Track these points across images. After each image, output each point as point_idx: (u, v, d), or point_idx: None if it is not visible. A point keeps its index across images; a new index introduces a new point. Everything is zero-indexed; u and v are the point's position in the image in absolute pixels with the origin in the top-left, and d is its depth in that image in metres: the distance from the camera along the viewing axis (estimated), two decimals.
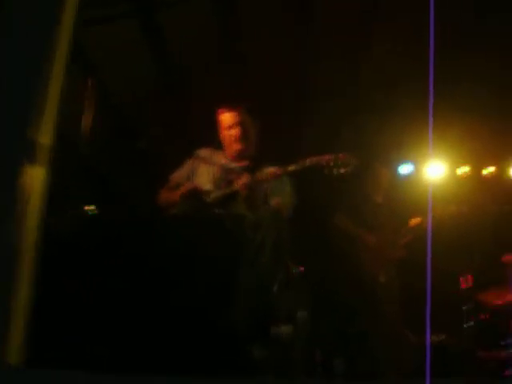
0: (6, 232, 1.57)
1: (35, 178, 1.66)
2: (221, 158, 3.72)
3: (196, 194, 3.46)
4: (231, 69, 5.57)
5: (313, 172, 3.31)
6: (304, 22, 5.19)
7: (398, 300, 4.99)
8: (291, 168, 3.34)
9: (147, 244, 2.62)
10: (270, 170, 3.48)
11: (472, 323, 4.91)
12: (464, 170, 6.47)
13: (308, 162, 3.29)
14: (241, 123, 3.63)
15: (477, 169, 6.49)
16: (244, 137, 3.64)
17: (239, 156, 3.67)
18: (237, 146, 3.65)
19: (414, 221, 5.29)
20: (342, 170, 3.22)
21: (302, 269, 3.73)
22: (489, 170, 6.45)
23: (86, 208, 3.69)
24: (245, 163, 3.65)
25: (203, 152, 3.79)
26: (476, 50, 5.40)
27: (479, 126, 5.86)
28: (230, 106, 3.66)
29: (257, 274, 2.88)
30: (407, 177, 6.53)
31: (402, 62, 5.58)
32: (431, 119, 2.76)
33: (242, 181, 3.31)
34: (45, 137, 1.71)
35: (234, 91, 5.46)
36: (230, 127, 3.64)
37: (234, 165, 3.67)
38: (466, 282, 5.10)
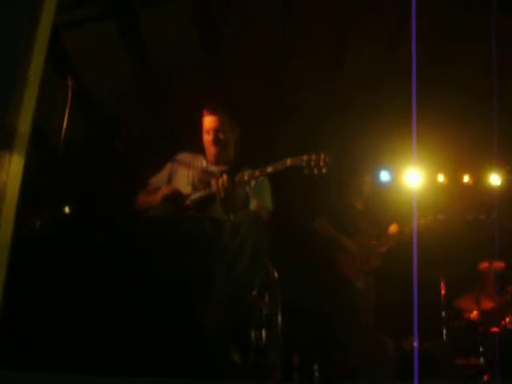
0: None
1: (13, 165, 1.62)
2: (200, 162, 3.72)
3: (175, 196, 3.42)
4: (210, 69, 5.56)
5: (293, 172, 3.27)
6: (283, 19, 5.20)
7: (375, 306, 4.99)
8: (270, 169, 3.30)
9: (122, 245, 2.57)
10: (249, 171, 3.46)
11: (450, 329, 4.93)
12: (442, 178, 6.50)
13: (288, 162, 3.25)
14: (220, 128, 3.63)
15: (454, 177, 6.54)
16: (222, 141, 3.64)
17: (218, 160, 3.67)
18: (214, 150, 3.65)
19: (392, 228, 5.30)
20: (324, 170, 3.18)
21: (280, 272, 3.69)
22: (466, 179, 6.49)
23: (65, 208, 3.65)
24: (224, 167, 3.64)
25: (182, 156, 3.78)
26: (454, 56, 5.46)
27: (457, 133, 5.90)
28: (211, 109, 3.64)
29: (235, 278, 2.85)
30: (386, 184, 6.56)
31: (381, 65, 5.63)
32: (414, 126, 2.76)
33: (219, 182, 3.27)
34: (23, 125, 1.67)
35: (213, 92, 5.44)
36: (210, 131, 3.64)
37: (213, 168, 3.67)
38: (444, 288, 5.12)
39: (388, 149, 6.17)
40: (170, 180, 3.68)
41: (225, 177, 3.28)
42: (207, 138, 3.66)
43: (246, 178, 3.34)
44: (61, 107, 3.57)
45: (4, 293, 1.61)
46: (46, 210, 3.15)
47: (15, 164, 1.64)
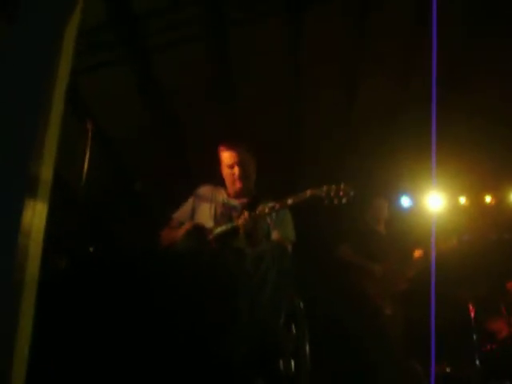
0: (8, 268, 1.55)
1: (37, 213, 1.64)
2: (221, 195, 3.73)
3: (198, 231, 3.44)
4: (226, 109, 5.64)
5: (313, 203, 3.27)
6: (297, 60, 5.27)
7: (404, 332, 4.93)
8: (291, 201, 3.31)
9: (146, 280, 2.59)
10: (270, 204, 3.47)
11: (482, 353, 4.83)
12: (463, 200, 6.48)
13: (308, 193, 3.25)
14: (240, 162, 3.64)
15: (476, 198, 6.51)
16: (244, 176, 3.65)
17: (240, 194, 3.68)
18: (238, 185, 3.66)
19: (417, 253, 5.27)
20: (344, 200, 3.18)
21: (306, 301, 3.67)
22: (488, 199, 6.46)
23: (89, 248, 3.68)
24: (245, 200, 3.66)
25: (203, 189, 3.80)
26: (474, 81, 5.47)
27: (477, 156, 5.90)
28: (230, 144, 3.67)
29: (260, 307, 2.84)
30: (408, 209, 6.55)
31: (400, 94, 5.66)
32: (434, 150, 2.76)
33: (242, 218, 3.29)
34: (45, 171, 1.70)
35: (230, 130, 5.51)
36: (231, 166, 3.66)
37: (234, 202, 3.68)
38: (473, 311, 5.04)
39: (408, 174, 6.19)
40: (193, 214, 3.70)
41: (246, 214, 3.29)
42: (229, 172, 3.67)
43: (267, 211, 3.35)
44: (81, 150, 3.64)
45: (33, 332, 1.62)
46: (70, 251, 3.19)
47: (39, 211, 1.66)
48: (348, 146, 6.44)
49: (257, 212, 3.33)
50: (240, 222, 3.31)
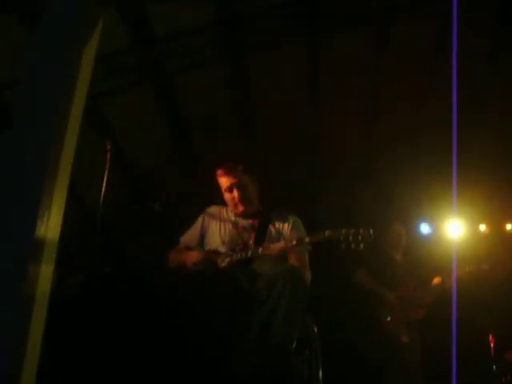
0: (19, 283, 1.56)
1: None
2: (230, 215, 3.71)
3: (208, 261, 3.41)
4: (243, 133, 5.69)
5: (330, 244, 3.25)
6: (315, 85, 5.31)
7: (421, 361, 4.85)
8: (308, 239, 3.29)
9: (161, 298, 2.60)
10: (283, 233, 3.46)
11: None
12: (483, 227, 6.41)
13: (326, 233, 3.21)
14: (238, 185, 3.59)
15: (497, 226, 6.43)
16: (244, 198, 3.59)
17: (246, 215, 3.66)
18: (240, 208, 3.61)
19: (436, 280, 5.21)
20: (361, 246, 3.14)
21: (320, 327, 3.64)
22: (509, 227, 6.38)
23: (104, 267, 3.70)
24: (254, 221, 3.64)
25: (212, 209, 3.78)
26: (493, 106, 5.45)
27: (496, 183, 5.85)
28: (226, 169, 3.62)
29: (272, 331, 2.82)
30: (427, 236, 6.50)
31: (420, 119, 5.66)
32: (455, 176, 2.75)
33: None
34: (61, 184, 1.72)
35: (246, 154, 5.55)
36: (229, 190, 3.62)
37: (243, 222, 3.65)
38: (494, 340, 4.96)
39: (428, 201, 6.15)
40: (202, 236, 3.68)
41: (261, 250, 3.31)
42: (229, 196, 3.62)
43: (283, 246, 3.33)
44: (99, 171, 3.69)
45: (44, 345, 1.63)
46: (86, 269, 3.20)
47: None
48: (367, 172, 6.44)
49: (272, 247, 3.33)
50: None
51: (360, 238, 3.15)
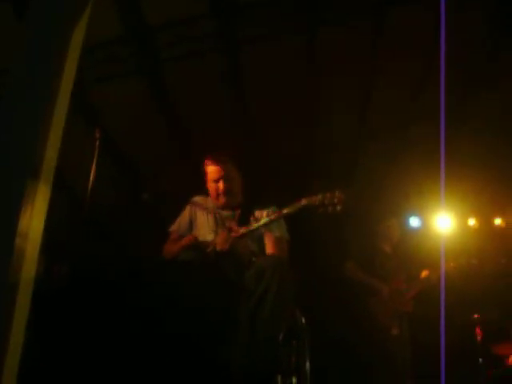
0: (3, 269, 1.55)
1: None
2: (213, 205, 3.71)
3: (197, 246, 3.42)
4: (238, 120, 5.66)
5: (308, 212, 3.23)
6: (309, 72, 5.28)
7: (411, 352, 4.87)
8: (286, 210, 3.27)
9: (147, 293, 2.58)
10: (265, 213, 3.44)
11: (488, 377, 4.76)
12: (473, 221, 6.43)
13: (303, 201, 3.21)
14: (225, 177, 3.60)
15: (486, 220, 6.45)
16: (228, 190, 3.60)
17: (227, 206, 3.65)
18: (222, 200, 3.62)
19: (424, 273, 5.23)
20: (338, 208, 3.13)
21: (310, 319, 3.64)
22: (498, 221, 6.40)
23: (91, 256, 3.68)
24: (235, 211, 3.63)
25: (197, 200, 3.79)
26: (484, 98, 5.44)
27: (486, 176, 5.85)
28: (215, 159, 3.63)
29: (260, 323, 2.82)
30: (416, 229, 6.51)
31: (411, 108, 5.63)
32: (443, 169, 2.75)
33: (219, 237, 3.30)
34: (46, 173, 1.71)
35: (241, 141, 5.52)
36: (215, 180, 3.63)
37: (225, 213, 3.65)
38: (480, 334, 4.98)
39: (417, 194, 6.15)
40: (191, 225, 3.69)
41: (223, 233, 3.30)
42: (214, 186, 3.64)
43: (261, 223, 3.33)
44: (88, 159, 3.67)
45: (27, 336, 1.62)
46: (71, 258, 3.19)
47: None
48: (357, 161, 6.42)
49: (252, 226, 3.31)
50: (217, 240, 3.31)
51: (336, 200, 3.14)
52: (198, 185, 3.82)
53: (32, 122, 1.80)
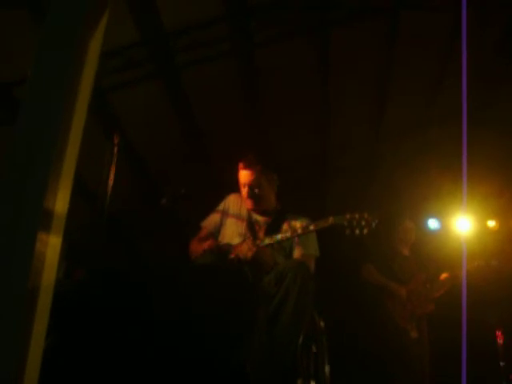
0: (24, 274, 1.56)
1: (50, 247, 1.64)
2: (246, 208, 3.70)
3: (220, 250, 3.42)
4: (254, 123, 5.68)
5: (334, 231, 3.24)
6: (324, 75, 5.28)
7: (430, 356, 4.83)
8: (313, 227, 3.29)
9: (164, 292, 2.59)
10: (292, 226, 3.44)
11: (509, 380, 4.71)
12: (492, 223, 6.36)
13: (330, 220, 3.23)
14: (252, 183, 3.58)
15: (505, 222, 6.38)
16: (257, 196, 3.59)
17: (257, 210, 3.66)
18: (248, 204, 3.63)
19: (444, 275, 5.19)
20: (365, 231, 3.14)
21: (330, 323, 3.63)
22: None
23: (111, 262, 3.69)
24: (267, 217, 3.64)
25: (232, 199, 3.78)
26: (504, 99, 5.40)
27: (508, 178, 5.81)
28: (246, 164, 3.62)
29: (280, 326, 2.82)
30: (435, 231, 6.46)
31: (430, 110, 5.61)
32: (465, 173, 2.72)
33: (243, 247, 3.30)
34: (61, 204, 1.71)
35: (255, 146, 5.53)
36: (243, 185, 3.63)
37: (257, 217, 3.65)
38: (501, 337, 4.93)
39: (436, 197, 6.12)
40: (221, 224, 3.69)
41: (249, 243, 3.29)
42: (242, 190, 3.65)
43: (289, 235, 3.33)
44: (107, 165, 3.68)
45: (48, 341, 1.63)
46: (91, 264, 3.20)
47: (53, 245, 1.65)
48: (375, 163, 6.41)
49: (279, 238, 3.32)
50: (241, 248, 3.31)
51: (364, 222, 3.15)
52: (216, 188, 3.84)
53: (51, 129, 1.81)
